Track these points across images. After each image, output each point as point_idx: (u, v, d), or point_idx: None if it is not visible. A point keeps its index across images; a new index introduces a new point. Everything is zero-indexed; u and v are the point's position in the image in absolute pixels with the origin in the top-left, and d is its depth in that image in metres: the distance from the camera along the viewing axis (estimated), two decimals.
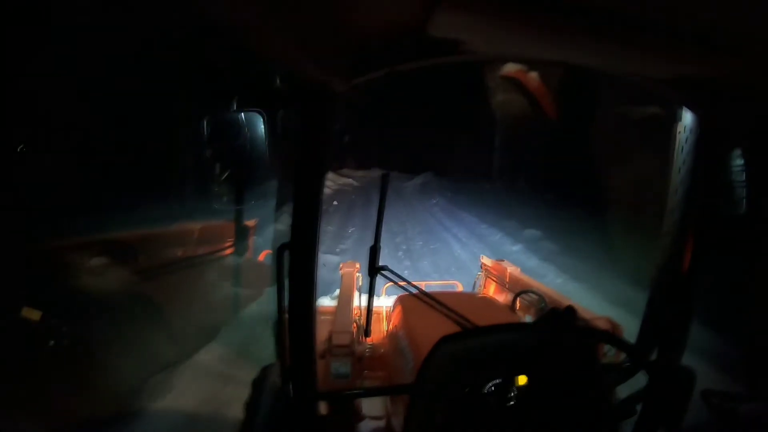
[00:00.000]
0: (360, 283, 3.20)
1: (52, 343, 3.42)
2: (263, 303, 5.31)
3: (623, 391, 1.44)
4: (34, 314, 3.39)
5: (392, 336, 2.36)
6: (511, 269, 3.29)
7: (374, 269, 1.39)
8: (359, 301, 2.85)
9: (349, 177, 23.85)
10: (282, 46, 0.95)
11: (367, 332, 1.73)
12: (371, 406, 2.12)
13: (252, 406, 1.80)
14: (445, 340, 1.33)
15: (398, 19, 0.93)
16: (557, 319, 1.32)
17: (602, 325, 2.20)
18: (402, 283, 1.53)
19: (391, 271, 1.44)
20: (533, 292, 2.73)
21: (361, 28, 0.96)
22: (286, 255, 1.22)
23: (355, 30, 0.97)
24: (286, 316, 1.26)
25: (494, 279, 3.47)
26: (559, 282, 7.29)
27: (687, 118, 1.34)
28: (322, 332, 2.03)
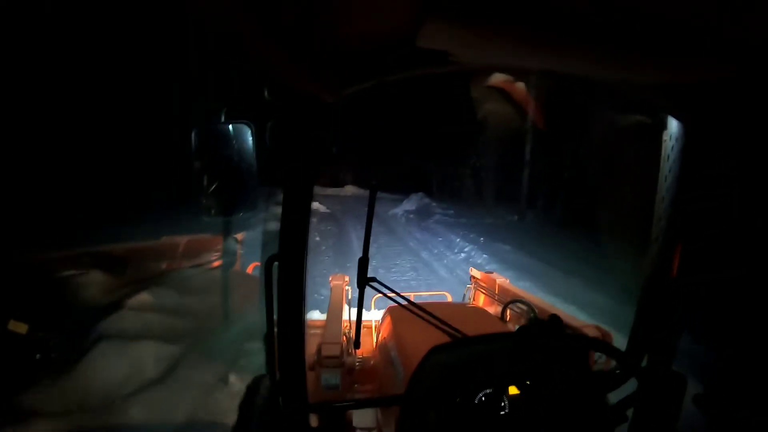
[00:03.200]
0: (350, 296, 3.19)
1: (39, 356, 3.38)
2: (252, 315, 5.26)
3: (614, 398, 1.44)
4: (21, 327, 3.33)
5: (382, 347, 2.34)
6: (500, 280, 3.29)
7: (363, 281, 1.38)
8: (349, 313, 2.84)
9: (315, 195, 19.66)
10: (272, 56, 0.95)
11: (356, 344, 1.71)
12: (362, 418, 2.10)
13: (242, 418, 1.79)
14: (435, 350, 1.33)
15: (387, 30, 0.94)
16: (545, 327, 1.32)
17: (592, 333, 2.20)
18: (391, 295, 1.52)
19: (381, 283, 1.43)
20: (522, 302, 2.73)
21: (350, 39, 0.97)
22: (275, 267, 1.22)
23: (344, 41, 0.97)
24: (276, 327, 1.25)
25: (484, 290, 3.46)
26: None
27: (674, 125, 1.35)
28: (312, 345, 2.01)
